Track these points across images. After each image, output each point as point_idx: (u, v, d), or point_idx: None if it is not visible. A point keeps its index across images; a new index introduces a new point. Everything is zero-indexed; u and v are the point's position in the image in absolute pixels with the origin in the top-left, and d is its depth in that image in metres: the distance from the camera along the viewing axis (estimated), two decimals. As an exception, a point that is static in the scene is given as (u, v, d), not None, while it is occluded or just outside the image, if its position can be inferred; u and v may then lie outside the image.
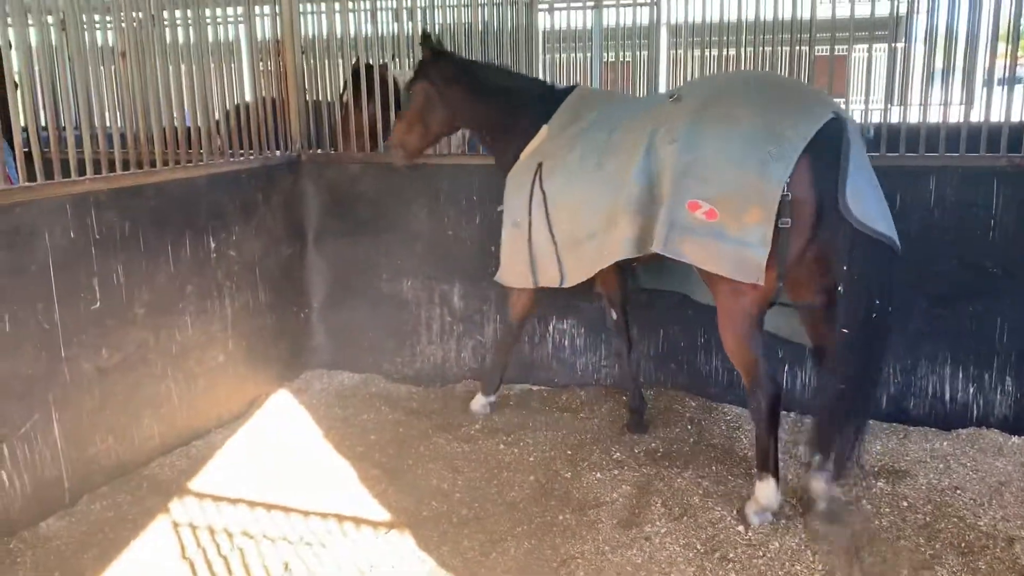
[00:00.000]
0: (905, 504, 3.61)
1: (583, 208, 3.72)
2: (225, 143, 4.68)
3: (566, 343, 5.01)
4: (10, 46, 3.43)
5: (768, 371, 3.38)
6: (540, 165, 3.95)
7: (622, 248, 3.47)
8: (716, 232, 3.14)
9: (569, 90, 4.19)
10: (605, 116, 3.87)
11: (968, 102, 4.30)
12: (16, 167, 3.53)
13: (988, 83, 4.12)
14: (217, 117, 4.72)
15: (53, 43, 3.94)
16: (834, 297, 3.23)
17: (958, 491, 3.71)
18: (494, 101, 4.30)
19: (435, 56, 4.40)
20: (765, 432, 3.43)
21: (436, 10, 5.30)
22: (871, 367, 3.28)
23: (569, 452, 4.18)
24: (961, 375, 4.32)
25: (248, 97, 5.10)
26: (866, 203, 3.10)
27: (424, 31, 4.49)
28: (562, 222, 3.85)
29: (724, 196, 3.11)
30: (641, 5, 7.68)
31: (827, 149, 3.07)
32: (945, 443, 4.17)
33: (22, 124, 3.57)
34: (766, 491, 3.47)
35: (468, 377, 5.16)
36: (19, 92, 3.73)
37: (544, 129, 4.07)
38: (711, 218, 3.13)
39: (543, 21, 8.24)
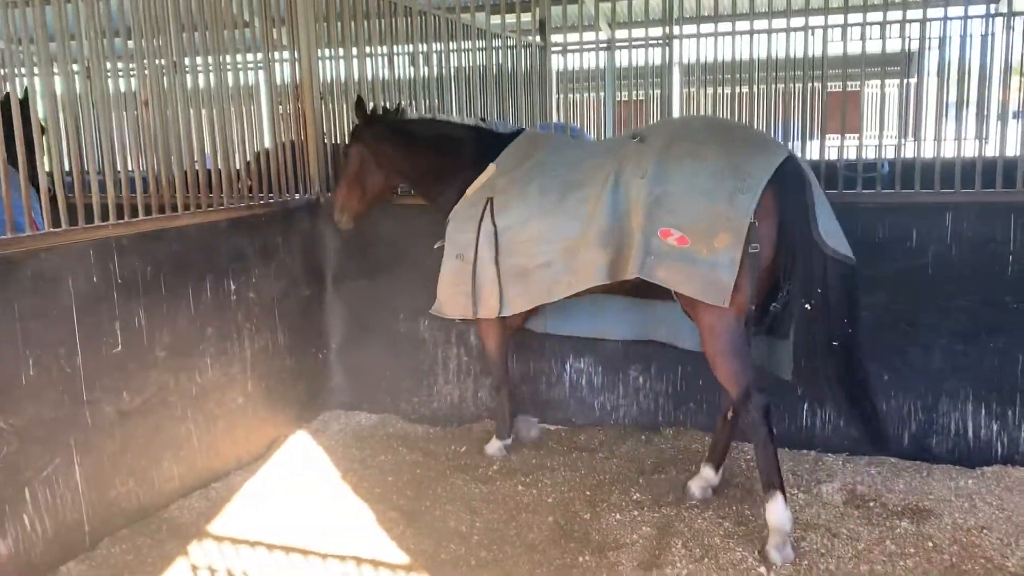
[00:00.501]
0: (930, 544, 3.56)
1: (540, 240, 3.98)
2: (246, 188, 4.76)
3: (583, 382, 5.00)
4: (37, 93, 3.51)
5: (755, 383, 3.52)
6: (490, 200, 4.15)
7: (595, 275, 3.73)
8: (688, 257, 3.43)
9: (516, 132, 4.45)
10: (559, 155, 4.12)
11: (982, 137, 4.31)
12: (42, 212, 3.60)
13: (1002, 117, 4.14)
14: (239, 164, 4.80)
15: (78, 90, 4.02)
16: (766, 307, 3.61)
17: (984, 531, 3.65)
18: (429, 151, 4.48)
19: (368, 121, 4.56)
20: (764, 445, 3.51)
21: (451, 54, 5.39)
22: (851, 370, 3.54)
23: (588, 493, 4.15)
24: (984, 412, 4.27)
25: (267, 141, 5.18)
26: (828, 228, 3.42)
27: (358, 97, 4.66)
28: (513, 254, 4.09)
29: (694, 224, 3.42)
30: (654, 45, 7.78)
31: (791, 182, 3.41)
32: (970, 481, 4.11)
33: (47, 170, 3.64)
34: (779, 512, 3.46)
35: (485, 417, 5.15)
36: (45, 137, 3.81)
37: (492, 167, 4.27)
38: (682, 244, 3.44)
39: (556, 62, 8.36)
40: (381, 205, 5.04)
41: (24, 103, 3.65)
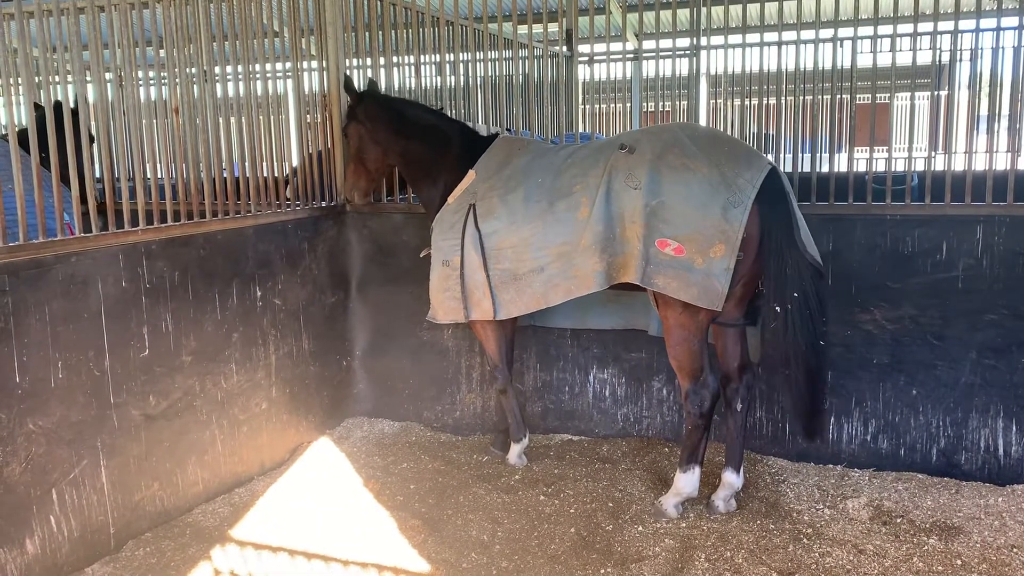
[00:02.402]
0: (959, 563, 3.49)
1: (529, 245, 4.07)
2: (292, 193, 4.87)
3: (607, 393, 4.98)
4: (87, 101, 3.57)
5: (710, 374, 3.89)
6: (472, 207, 4.25)
7: (595, 281, 3.89)
8: (684, 266, 3.64)
9: (492, 137, 4.54)
10: (539, 161, 4.21)
11: (1015, 149, 4.25)
12: (74, 216, 3.66)
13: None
14: (284, 171, 4.92)
15: (110, 98, 4.09)
16: (752, 316, 3.96)
17: (1015, 550, 3.58)
18: (417, 138, 4.58)
19: (360, 98, 4.68)
20: (702, 428, 3.94)
21: (478, 63, 5.41)
22: (818, 370, 3.78)
23: (610, 504, 4.13)
24: (1015, 428, 4.20)
25: (295, 149, 5.23)
26: (805, 237, 3.71)
27: (345, 77, 4.80)
28: (502, 260, 4.17)
29: (689, 236, 3.62)
30: (680, 56, 7.76)
31: (773, 195, 3.67)
32: (1000, 499, 4.04)
33: (96, 176, 3.70)
34: (692, 480, 3.97)
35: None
36: (95, 145, 3.88)
37: (471, 173, 4.37)
38: (679, 253, 3.64)
39: (583, 72, 8.36)
40: (405, 215, 5.07)
41: (75, 112, 3.73)
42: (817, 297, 3.73)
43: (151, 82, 5.10)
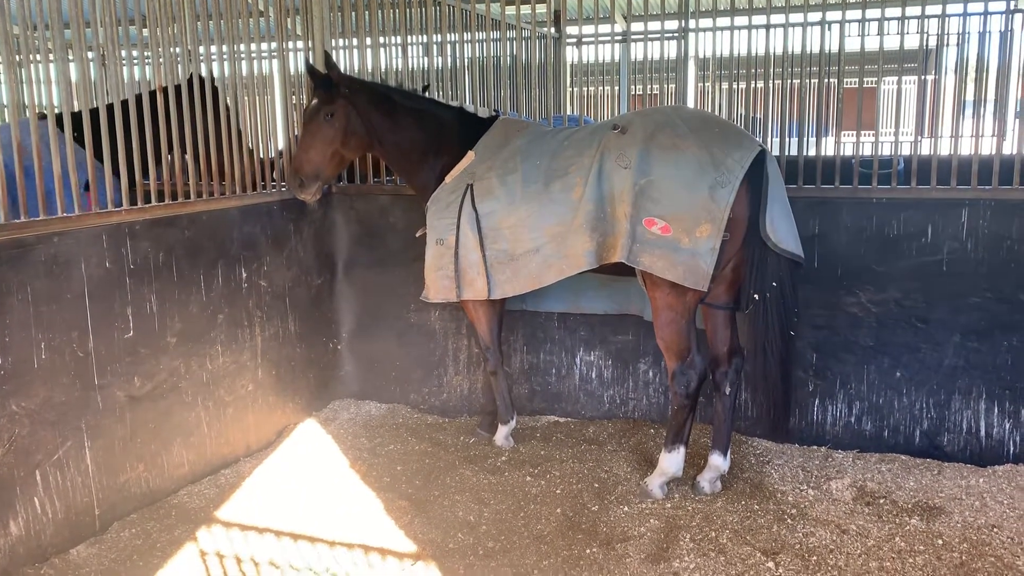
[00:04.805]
0: (940, 542, 3.53)
1: (526, 226, 4.07)
2: (269, 176, 4.81)
3: (593, 375, 4.99)
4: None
5: (697, 355, 3.92)
6: (470, 186, 4.22)
7: (585, 260, 3.90)
8: (671, 245, 3.66)
9: (493, 118, 4.52)
10: (537, 143, 4.20)
11: (1000, 134, 4.27)
12: (107, 190, 3.72)
13: (1021, 114, 4.09)
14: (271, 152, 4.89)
15: (93, 78, 4.04)
16: (742, 301, 3.91)
17: (995, 529, 3.63)
18: (414, 121, 4.45)
19: (350, 81, 4.48)
20: (688, 409, 3.96)
21: (465, 44, 5.37)
22: (780, 364, 3.87)
23: (596, 485, 4.15)
24: (997, 410, 4.24)
25: (280, 130, 5.19)
26: (779, 225, 3.71)
27: (326, 53, 4.69)
28: (499, 240, 4.16)
29: (676, 215, 3.64)
30: (669, 39, 7.74)
31: (755, 178, 3.69)
32: (981, 480, 4.08)
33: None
34: (677, 460, 4.01)
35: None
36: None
37: (470, 154, 4.33)
38: (665, 233, 3.66)
39: (571, 55, 8.33)
40: (392, 196, 5.05)
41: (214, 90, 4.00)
42: (792, 287, 3.79)
43: (134, 61, 5.05)
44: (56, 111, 4.19)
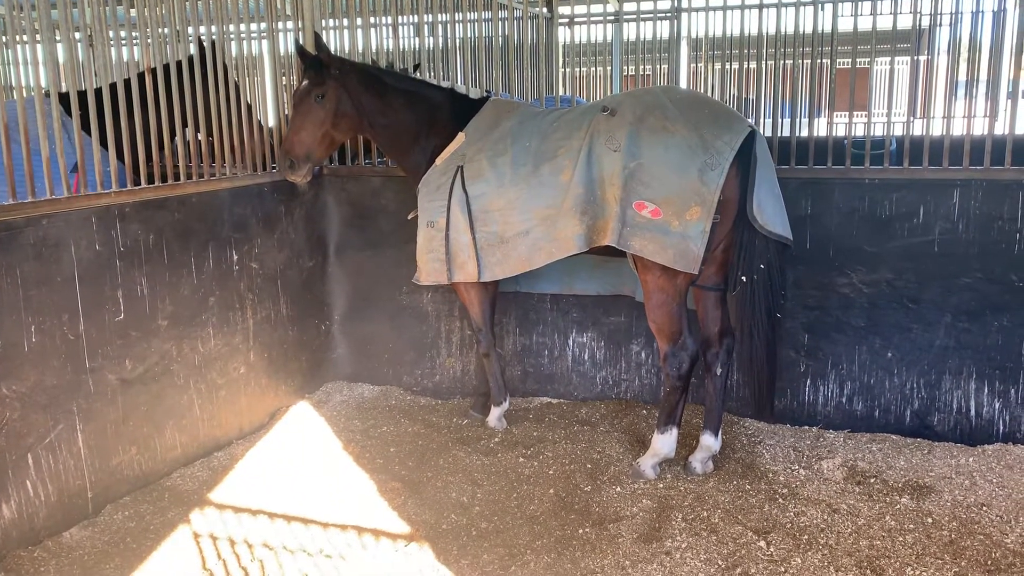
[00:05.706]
0: (930, 521, 3.56)
1: (515, 208, 4.06)
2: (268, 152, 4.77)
3: (586, 357, 5.00)
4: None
5: (689, 337, 3.93)
6: (460, 168, 4.20)
7: (574, 244, 3.90)
8: (661, 228, 3.65)
9: (484, 99, 4.48)
10: (528, 125, 4.15)
11: (993, 114, 4.27)
12: (112, 172, 3.71)
13: (1013, 95, 4.09)
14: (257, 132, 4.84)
15: (80, 58, 4.00)
16: (731, 282, 3.90)
17: (984, 508, 3.66)
18: (400, 105, 4.40)
19: (341, 62, 4.43)
20: (680, 391, 3.98)
21: (456, 24, 5.32)
22: (766, 346, 3.89)
23: (589, 466, 4.17)
24: (987, 390, 4.27)
25: (271, 111, 5.15)
26: (766, 208, 3.71)
27: (316, 34, 4.60)
28: (489, 222, 4.14)
29: (666, 198, 3.63)
30: (661, 19, 7.70)
31: (745, 160, 3.68)
32: (971, 459, 4.11)
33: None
34: (669, 441, 4.02)
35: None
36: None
37: (461, 135, 4.30)
38: (655, 216, 3.65)
39: (563, 35, 8.28)
40: (383, 178, 5.02)
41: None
42: (780, 269, 3.81)
43: (122, 42, 5.00)
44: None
